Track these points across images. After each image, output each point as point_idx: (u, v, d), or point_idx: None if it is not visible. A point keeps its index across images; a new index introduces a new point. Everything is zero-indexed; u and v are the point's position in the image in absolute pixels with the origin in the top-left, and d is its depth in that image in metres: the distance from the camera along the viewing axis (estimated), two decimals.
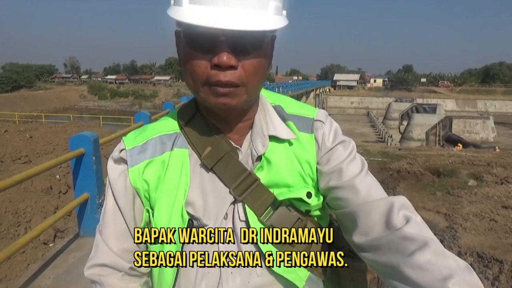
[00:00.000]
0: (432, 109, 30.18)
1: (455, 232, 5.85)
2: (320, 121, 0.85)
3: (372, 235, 0.73)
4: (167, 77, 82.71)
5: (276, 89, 29.41)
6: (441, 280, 0.61)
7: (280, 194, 0.80)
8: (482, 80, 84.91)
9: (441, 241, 5.81)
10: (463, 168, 10.16)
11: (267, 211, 0.79)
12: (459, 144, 18.56)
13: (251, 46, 0.69)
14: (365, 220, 0.75)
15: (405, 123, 29.10)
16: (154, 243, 0.79)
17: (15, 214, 6.82)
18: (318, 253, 0.84)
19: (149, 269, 0.84)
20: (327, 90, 65.02)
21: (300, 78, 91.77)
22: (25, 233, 5.49)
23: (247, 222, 0.78)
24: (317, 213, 0.86)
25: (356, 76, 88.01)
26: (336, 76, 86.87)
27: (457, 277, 0.61)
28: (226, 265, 0.77)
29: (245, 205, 0.78)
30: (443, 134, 21.95)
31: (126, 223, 0.81)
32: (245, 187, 0.78)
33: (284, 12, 0.74)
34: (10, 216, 6.71)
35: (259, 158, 0.80)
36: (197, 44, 0.69)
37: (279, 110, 0.85)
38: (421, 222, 0.72)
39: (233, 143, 0.81)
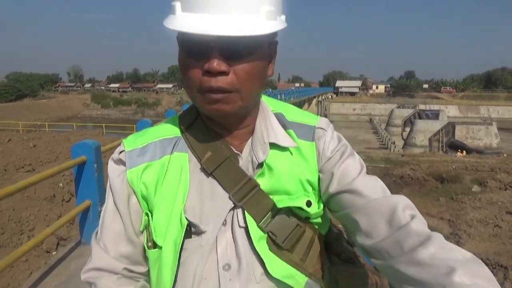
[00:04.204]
0: (435, 115, 30.10)
1: (459, 238, 5.80)
2: (321, 128, 0.84)
3: (376, 235, 0.72)
4: (170, 85, 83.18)
5: (278, 96, 29.46)
6: (447, 274, 0.59)
7: (280, 201, 0.79)
8: (485, 85, 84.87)
9: None
10: (467, 174, 10.11)
11: (266, 217, 0.79)
12: (462, 150, 18.48)
13: (243, 51, 0.69)
14: (366, 220, 0.74)
15: (407, 129, 29.02)
16: (154, 248, 0.79)
17: (18, 222, 6.83)
18: (314, 258, 0.83)
19: (145, 270, 0.84)
20: (329, 96, 65.04)
21: (302, 85, 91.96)
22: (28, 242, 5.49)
23: (246, 228, 0.78)
24: (317, 220, 0.85)
25: (358, 83, 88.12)
26: (338, 83, 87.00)
27: (463, 269, 0.59)
28: (224, 270, 0.77)
29: (245, 211, 0.78)
30: (446, 140, 21.84)
31: (123, 225, 0.81)
32: (245, 192, 0.78)
33: (283, 17, 0.74)
34: (13, 224, 6.72)
35: (260, 165, 0.80)
36: (190, 51, 0.70)
37: (280, 118, 0.85)
38: (424, 221, 0.71)
39: (233, 149, 0.81)
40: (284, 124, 0.84)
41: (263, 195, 0.79)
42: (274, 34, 0.75)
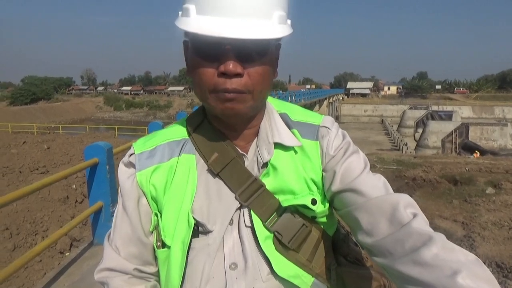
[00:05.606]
0: (448, 116, 29.65)
1: (473, 241, 5.70)
2: (326, 127, 0.85)
3: (377, 233, 0.72)
4: (181, 88, 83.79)
5: (289, 98, 29.38)
6: (450, 276, 0.59)
7: (285, 200, 0.80)
8: (499, 86, 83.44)
9: None
10: (481, 175, 9.92)
11: (272, 216, 0.80)
12: (476, 152, 18.17)
13: (256, 54, 0.71)
14: (368, 218, 0.74)
15: (420, 130, 28.64)
16: (162, 247, 0.80)
17: (33, 223, 6.96)
18: (321, 258, 0.84)
19: (155, 270, 0.86)
20: (341, 98, 64.62)
21: (313, 86, 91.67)
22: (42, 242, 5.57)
23: (252, 227, 0.79)
24: (324, 220, 0.85)
25: (370, 84, 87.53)
26: (350, 84, 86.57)
27: (466, 271, 0.58)
28: (231, 269, 0.78)
29: (251, 210, 0.79)
30: (459, 141, 21.51)
31: (133, 226, 0.82)
32: (251, 192, 0.79)
33: (289, 22, 0.76)
34: (28, 225, 6.85)
35: (265, 164, 0.81)
36: (204, 53, 0.71)
37: (285, 118, 0.86)
38: (427, 221, 0.71)
39: (239, 150, 0.83)
40: (289, 124, 0.85)
41: (268, 195, 0.80)
42: (280, 38, 0.76)
